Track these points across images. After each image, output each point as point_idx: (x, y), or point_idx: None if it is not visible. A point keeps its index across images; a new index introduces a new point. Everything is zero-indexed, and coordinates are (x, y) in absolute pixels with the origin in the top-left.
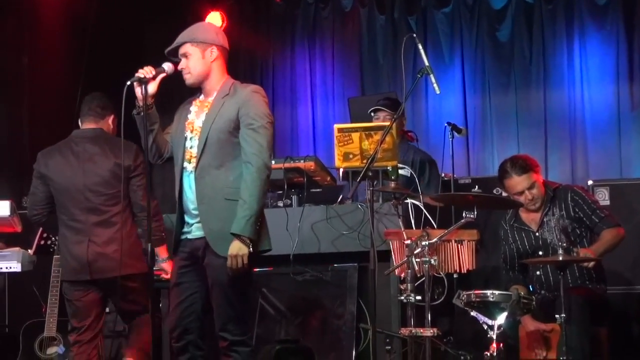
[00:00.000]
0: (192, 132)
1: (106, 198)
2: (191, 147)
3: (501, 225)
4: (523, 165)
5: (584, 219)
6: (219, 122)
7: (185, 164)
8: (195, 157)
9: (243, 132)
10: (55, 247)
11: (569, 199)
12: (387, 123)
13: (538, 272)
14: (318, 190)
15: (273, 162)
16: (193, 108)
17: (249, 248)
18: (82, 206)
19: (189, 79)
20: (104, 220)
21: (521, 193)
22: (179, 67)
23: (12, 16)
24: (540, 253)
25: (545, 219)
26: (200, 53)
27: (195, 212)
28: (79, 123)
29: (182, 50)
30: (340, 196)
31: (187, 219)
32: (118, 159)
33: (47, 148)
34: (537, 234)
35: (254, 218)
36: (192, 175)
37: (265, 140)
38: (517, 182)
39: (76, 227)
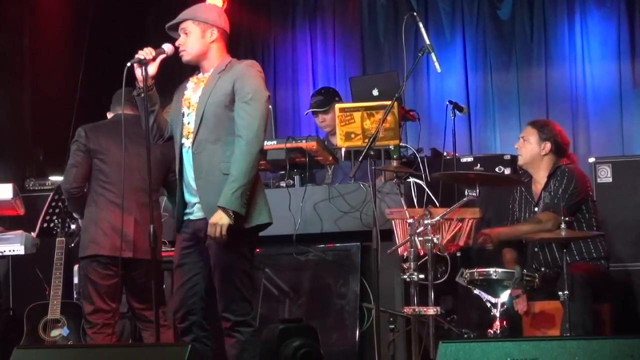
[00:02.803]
0: (189, 107)
1: (153, 182)
2: (188, 123)
3: (512, 194)
4: (539, 121)
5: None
6: (215, 96)
7: (184, 140)
8: (192, 132)
9: (237, 105)
10: (58, 229)
11: (554, 177)
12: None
13: (536, 249)
14: (317, 170)
15: (275, 142)
16: (190, 85)
17: (231, 220)
18: (132, 186)
19: (185, 55)
20: (147, 203)
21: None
22: (177, 43)
23: None
24: None
25: (543, 194)
26: (200, 32)
27: (196, 189)
28: (114, 111)
29: (182, 26)
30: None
31: (188, 197)
32: (164, 148)
33: (91, 124)
34: (535, 208)
35: (240, 191)
36: (190, 151)
37: (258, 114)
38: (524, 129)
39: (122, 205)
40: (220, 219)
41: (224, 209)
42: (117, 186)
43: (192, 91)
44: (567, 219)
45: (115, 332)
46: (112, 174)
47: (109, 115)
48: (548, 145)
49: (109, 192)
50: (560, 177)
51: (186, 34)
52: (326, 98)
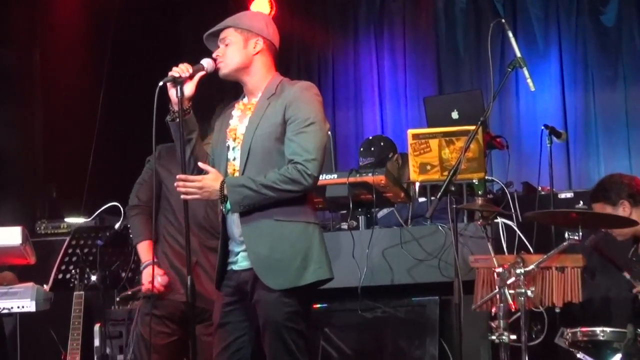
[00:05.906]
0: (234, 140)
1: (212, 226)
2: (234, 159)
3: (628, 245)
4: (597, 192)
5: None
6: (264, 126)
7: None
8: (239, 170)
9: (288, 136)
10: (75, 282)
11: None
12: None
13: None
14: (389, 209)
15: (335, 175)
16: (235, 112)
17: (216, 197)
18: (194, 223)
19: (223, 68)
20: (214, 247)
21: None
22: (215, 54)
23: (21, 6)
24: None
25: None
26: (242, 42)
27: (241, 238)
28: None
29: (222, 35)
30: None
31: (231, 246)
32: None
33: (168, 144)
34: None
35: (249, 197)
36: None
37: (316, 144)
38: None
39: (183, 244)
40: (211, 187)
41: (224, 187)
42: (178, 220)
43: (239, 120)
44: None
45: None
46: (176, 205)
47: None
48: (626, 204)
49: (170, 225)
50: None
51: (226, 44)
52: (378, 160)
